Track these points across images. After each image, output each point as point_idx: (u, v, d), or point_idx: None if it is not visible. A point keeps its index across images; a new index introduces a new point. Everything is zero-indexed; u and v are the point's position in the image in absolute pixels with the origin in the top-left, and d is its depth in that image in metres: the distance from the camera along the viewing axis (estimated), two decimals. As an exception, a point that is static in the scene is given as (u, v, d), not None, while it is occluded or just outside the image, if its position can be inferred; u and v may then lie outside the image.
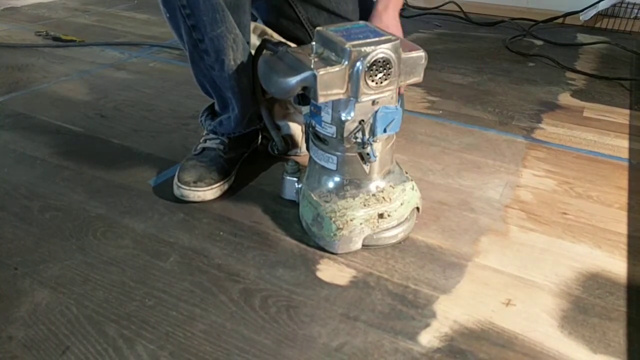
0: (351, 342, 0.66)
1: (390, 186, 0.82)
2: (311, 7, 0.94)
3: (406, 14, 2.26)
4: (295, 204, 0.90)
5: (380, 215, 0.79)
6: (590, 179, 1.02)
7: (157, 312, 0.70)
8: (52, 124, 1.22)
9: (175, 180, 0.92)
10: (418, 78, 0.76)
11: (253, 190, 0.97)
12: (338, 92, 0.70)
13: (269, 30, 0.95)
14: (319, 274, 0.77)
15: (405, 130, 1.20)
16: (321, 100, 0.70)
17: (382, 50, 0.69)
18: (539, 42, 1.93)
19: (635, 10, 2.06)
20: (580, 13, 2.09)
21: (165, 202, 0.92)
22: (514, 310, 0.71)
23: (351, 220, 0.78)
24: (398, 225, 0.82)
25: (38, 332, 0.66)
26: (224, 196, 0.94)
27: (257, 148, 1.08)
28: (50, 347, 0.64)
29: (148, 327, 0.67)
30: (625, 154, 1.12)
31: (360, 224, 0.78)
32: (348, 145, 0.77)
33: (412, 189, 0.84)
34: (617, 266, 0.79)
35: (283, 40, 0.91)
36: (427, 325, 0.68)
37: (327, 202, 0.79)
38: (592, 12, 2.05)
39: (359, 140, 0.76)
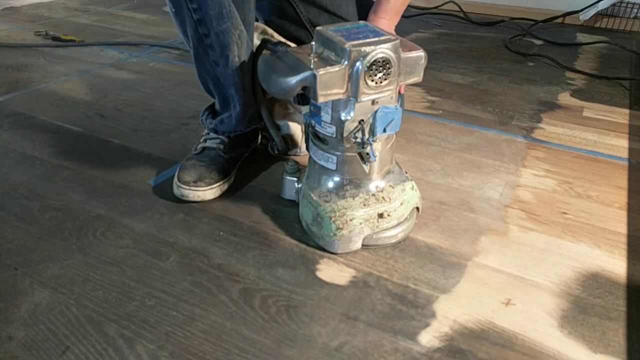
0: (351, 341, 0.66)
1: (390, 186, 0.82)
2: (312, 7, 0.94)
3: (406, 14, 2.25)
4: (295, 203, 0.90)
5: (380, 215, 0.79)
6: (590, 179, 1.02)
7: (157, 312, 0.70)
8: (51, 123, 1.22)
9: (175, 180, 0.92)
10: (418, 78, 0.76)
11: (253, 190, 0.97)
12: (338, 92, 0.70)
13: (270, 30, 0.95)
14: (319, 274, 0.77)
15: (405, 130, 1.20)
16: (321, 100, 0.70)
17: (382, 50, 0.69)
18: (538, 42, 1.93)
19: (635, 10, 2.06)
20: (580, 13, 2.09)
21: (165, 202, 0.92)
22: (513, 310, 0.71)
23: (351, 220, 0.78)
24: (398, 225, 0.82)
25: (38, 332, 0.66)
26: (223, 196, 0.94)
27: (257, 148, 1.08)
28: (50, 347, 0.64)
29: (148, 327, 0.67)
30: (624, 154, 1.12)
31: (360, 223, 0.78)
32: (348, 145, 0.77)
33: (412, 188, 0.84)
34: (616, 266, 0.79)
35: (283, 40, 0.91)
36: (427, 325, 0.68)
37: (326, 201, 0.79)
38: (592, 11, 2.05)
39: (358, 140, 0.76)
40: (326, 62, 0.69)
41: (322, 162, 0.81)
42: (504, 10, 2.26)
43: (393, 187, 0.82)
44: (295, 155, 1.06)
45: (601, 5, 2.03)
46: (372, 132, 0.75)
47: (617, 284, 0.76)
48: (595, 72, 1.59)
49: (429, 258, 0.80)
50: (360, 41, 0.69)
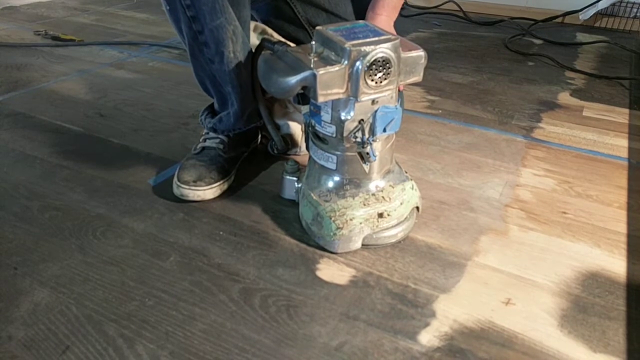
0: (351, 341, 0.66)
1: (390, 185, 0.82)
2: (310, 7, 0.94)
3: (405, 14, 2.26)
4: (295, 203, 0.90)
5: (380, 215, 0.79)
6: (590, 178, 1.02)
7: (157, 312, 0.70)
8: (51, 123, 1.22)
9: (175, 179, 0.92)
10: (418, 77, 0.76)
11: (253, 190, 0.97)
12: (338, 92, 0.70)
13: (269, 30, 0.95)
14: (319, 274, 0.77)
15: (405, 130, 1.20)
16: (321, 99, 0.70)
17: (382, 50, 0.69)
18: (538, 42, 1.93)
19: (635, 10, 2.06)
20: (580, 12, 2.09)
21: (164, 202, 0.92)
22: (513, 310, 0.71)
23: (351, 219, 0.78)
24: (398, 224, 0.82)
25: (38, 331, 0.66)
26: (223, 196, 0.94)
27: (257, 147, 1.08)
28: (50, 347, 0.64)
29: (148, 327, 0.67)
30: (624, 153, 1.12)
31: (360, 223, 0.78)
32: (348, 145, 0.77)
33: (412, 188, 0.84)
34: (616, 265, 0.79)
35: (283, 39, 0.91)
36: (427, 324, 0.68)
37: (326, 201, 0.79)
38: (592, 11, 2.06)
39: (358, 139, 0.76)
40: (326, 61, 0.69)
41: (322, 162, 0.81)
42: (504, 9, 2.26)
43: (393, 187, 0.82)
44: (295, 154, 1.06)
45: (601, 5, 2.03)
46: (372, 132, 0.75)
47: (616, 284, 0.76)
48: (595, 72, 1.59)
49: (429, 257, 0.80)
50: (360, 41, 0.69)
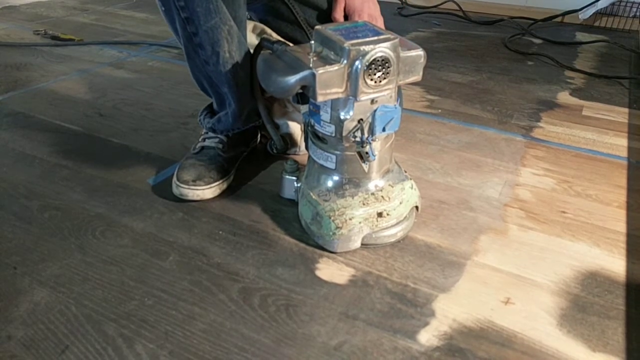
0: (350, 340, 0.66)
1: (390, 185, 0.82)
2: (308, 8, 0.94)
3: (405, 13, 2.26)
4: (294, 203, 0.90)
5: (380, 214, 0.79)
6: (589, 178, 1.02)
7: (157, 311, 0.70)
8: (51, 123, 1.22)
9: (174, 179, 0.92)
10: (417, 77, 0.76)
11: (252, 189, 0.97)
12: (337, 91, 0.70)
13: (268, 30, 0.95)
14: (318, 273, 0.77)
15: (405, 129, 1.20)
16: (320, 99, 0.70)
17: (381, 49, 0.69)
18: (538, 41, 1.93)
19: (634, 9, 2.06)
20: (579, 12, 2.09)
21: (164, 201, 0.92)
22: (513, 309, 0.71)
23: (350, 219, 0.78)
24: (397, 224, 0.82)
25: (37, 331, 0.66)
26: (223, 195, 0.94)
27: (256, 147, 1.08)
28: (50, 347, 0.64)
29: (147, 326, 0.67)
30: (624, 153, 1.12)
31: (359, 222, 0.78)
32: (347, 144, 0.77)
33: (411, 187, 0.84)
34: (616, 265, 0.79)
35: (282, 39, 0.91)
36: (426, 323, 0.68)
37: (326, 201, 0.79)
38: (591, 10, 2.06)
39: (358, 139, 0.75)
40: (325, 61, 0.69)
41: (321, 161, 0.81)
42: (503, 9, 2.26)
43: (392, 186, 0.82)
44: (294, 154, 1.06)
45: (600, 4, 2.03)
46: (372, 131, 0.75)
47: (616, 283, 0.76)
48: (594, 71, 1.59)
49: (429, 257, 0.80)
50: (359, 40, 0.69)
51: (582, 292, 0.74)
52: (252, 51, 0.88)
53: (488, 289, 0.74)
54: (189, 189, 0.90)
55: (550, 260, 0.80)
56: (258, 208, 0.91)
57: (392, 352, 0.64)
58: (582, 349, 0.65)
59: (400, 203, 0.81)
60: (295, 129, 1.03)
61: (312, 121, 0.79)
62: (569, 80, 1.53)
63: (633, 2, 2.05)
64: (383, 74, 0.70)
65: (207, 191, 0.92)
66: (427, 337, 0.66)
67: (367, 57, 0.68)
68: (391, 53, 0.70)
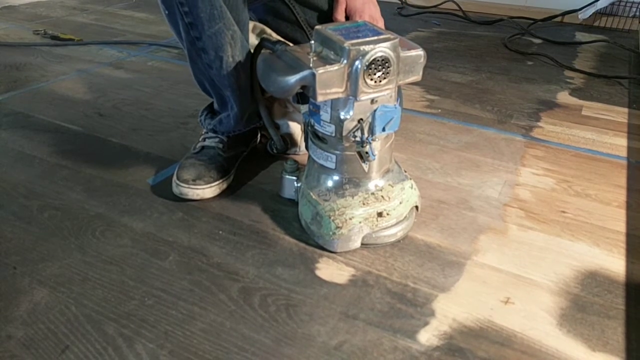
0: (350, 340, 0.66)
1: (389, 185, 0.82)
2: (308, 9, 0.94)
3: (405, 13, 2.26)
4: (294, 202, 0.90)
5: (379, 214, 0.79)
6: (589, 178, 1.02)
7: (156, 311, 0.70)
8: (50, 123, 1.22)
9: (174, 178, 0.92)
10: (417, 77, 0.76)
11: (252, 189, 0.97)
12: (337, 91, 0.70)
13: (268, 30, 0.95)
14: (318, 273, 0.77)
15: (404, 129, 1.20)
16: (320, 99, 0.70)
17: (381, 49, 0.69)
18: (537, 41, 1.93)
19: (634, 9, 2.06)
20: (579, 11, 2.09)
21: (164, 201, 0.92)
22: (512, 309, 0.71)
23: (350, 219, 0.78)
24: (397, 223, 0.82)
25: (37, 331, 0.66)
26: (223, 195, 0.94)
27: (256, 147, 1.08)
28: (50, 346, 0.64)
29: (147, 326, 0.67)
30: (623, 153, 1.12)
31: (359, 222, 0.78)
32: (347, 144, 0.77)
33: (411, 187, 0.84)
34: (615, 264, 0.79)
35: (282, 39, 0.91)
36: (426, 323, 0.68)
37: (326, 200, 0.79)
38: (591, 10, 2.06)
39: (357, 139, 0.76)
40: (325, 61, 0.69)
41: (321, 161, 0.81)
42: (503, 9, 2.26)
43: (392, 186, 0.82)
44: (294, 154, 1.06)
45: (600, 4, 2.03)
46: (371, 131, 0.75)
47: (615, 283, 0.76)
48: (594, 71, 1.59)
49: (428, 257, 0.80)
50: (359, 40, 0.69)
51: (582, 292, 0.74)
52: (252, 51, 0.88)
53: (488, 289, 0.74)
54: (188, 188, 0.90)
55: (550, 260, 0.80)
56: (258, 208, 0.91)
57: (392, 351, 0.64)
58: (582, 349, 0.65)
59: (400, 203, 0.81)
60: (295, 128, 1.03)
61: (312, 121, 0.79)
62: (568, 80, 1.53)
63: (632, 2, 2.05)
64: (383, 73, 0.70)
65: (207, 191, 0.92)
66: (427, 336, 0.66)
67: (367, 57, 0.68)
68: (391, 53, 0.70)
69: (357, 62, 0.68)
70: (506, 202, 0.94)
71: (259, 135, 1.06)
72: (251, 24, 0.94)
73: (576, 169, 1.05)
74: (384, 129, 0.76)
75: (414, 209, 0.85)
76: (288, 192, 0.91)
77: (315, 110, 0.77)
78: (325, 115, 0.76)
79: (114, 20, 2.13)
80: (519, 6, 2.23)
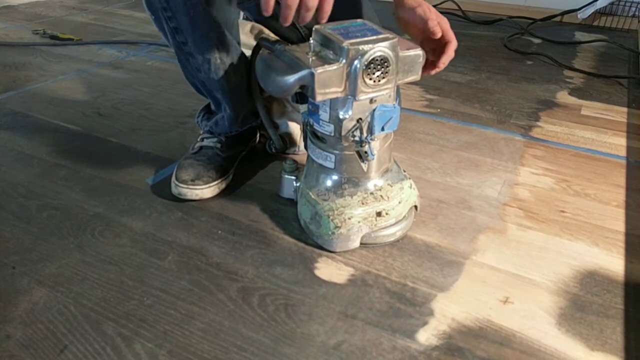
0: (349, 340, 0.66)
1: (389, 184, 0.82)
2: None
3: (404, 12, 2.26)
4: (293, 202, 0.90)
5: (379, 214, 0.79)
6: (588, 177, 1.02)
7: (155, 311, 0.70)
8: (49, 122, 1.22)
9: (173, 178, 0.92)
10: (416, 76, 0.76)
11: (251, 189, 0.97)
12: (336, 91, 0.70)
13: (267, 30, 0.95)
14: (317, 272, 0.77)
15: (404, 129, 1.20)
16: (319, 98, 0.70)
17: (380, 49, 0.68)
18: (537, 40, 1.93)
19: (633, 9, 2.06)
20: (578, 11, 2.09)
21: (163, 201, 0.92)
22: (511, 308, 0.71)
23: (349, 218, 0.78)
24: (396, 223, 0.82)
25: (36, 331, 0.66)
26: (222, 195, 0.94)
27: (255, 146, 1.08)
28: (49, 346, 0.64)
29: (146, 326, 0.67)
30: (622, 152, 1.12)
31: (359, 222, 0.78)
32: (346, 144, 0.77)
33: (410, 187, 0.84)
34: (614, 264, 0.79)
35: (280, 39, 0.91)
36: (425, 323, 0.68)
37: (325, 200, 0.79)
38: (590, 10, 2.06)
39: (356, 138, 0.75)
40: (324, 60, 0.69)
41: (320, 161, 0.81)
42: (503, 8, 2.26)
43: (391, 186, 0.82)
44: (293, 153, 1.06)
45: (599, 4, 2.03)
46: (371, 131, 0.75)
47: (614, 282, 0.76)
48: (593, 71, 1.59)
49: (427, 256, 0.80)
50: (358, 39, 0.69)
51: (581, 292, 0.74)
52: (250, 52, 0.88)
53: (487, 288, 0.74)
54: (187, 188, 0.90)
55: (549, 259, 0.80)
56: (257, 207, 0.91)
57: (391, 351, 0.64)
58: (581, 348, 0.65)
59: (399, 202, 0.81)
60: (294, 128, 1.03)
61: (311, 121, 0.79)
62: (568, 80, 1.53)
63: (632, 2, 2.05)
64: (382, 73, 0.70)
65: (206, 191, 0.92)
66: (426, 336, 0.66)
67: (366, 56, 0.68)
68: (390, 52, 0.70)
69: (356, 62, 0.68)
70: (505, 202, 0.94)
71: (257, 134, 1.06)
72: (249, 25, 0.94)
73: (575, 169, 1.05)
74: (382, 129, 0.75)
75: (413, 208, 0.85)
76: (287, 192, 0.91)
77: (314, 110, 0.77)
78: (324, 114, 0.76)
79: (113, 20, 2.13)
80: (519, 6, 2.23)
